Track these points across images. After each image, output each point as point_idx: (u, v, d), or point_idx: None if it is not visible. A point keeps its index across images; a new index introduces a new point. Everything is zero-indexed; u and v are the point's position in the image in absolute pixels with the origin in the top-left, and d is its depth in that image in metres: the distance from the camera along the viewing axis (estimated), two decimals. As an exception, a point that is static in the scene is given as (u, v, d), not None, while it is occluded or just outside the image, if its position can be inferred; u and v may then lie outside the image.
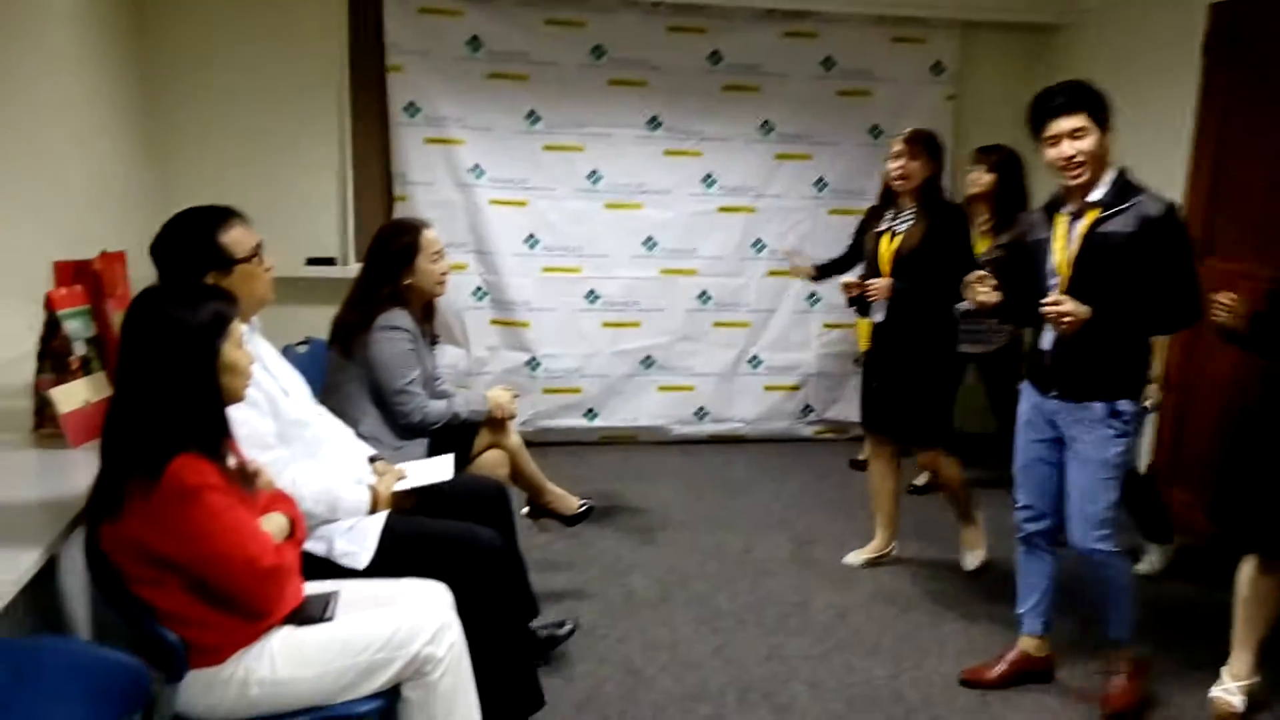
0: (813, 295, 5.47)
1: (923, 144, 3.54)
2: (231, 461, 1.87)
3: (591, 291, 5.27)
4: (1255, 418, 2.86)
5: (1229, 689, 2.89)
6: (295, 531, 1.99)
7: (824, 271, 4.46)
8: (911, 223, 3.56)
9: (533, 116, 5.05)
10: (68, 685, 1.48)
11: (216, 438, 1.81)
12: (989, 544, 3.89)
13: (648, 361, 5.40)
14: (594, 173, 5.16)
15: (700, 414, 5.50)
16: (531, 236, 5.16)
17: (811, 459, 5.34)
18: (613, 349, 5.34)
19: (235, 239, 2.25)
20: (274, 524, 1.93)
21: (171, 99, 4.68)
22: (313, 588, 2.02)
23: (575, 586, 3.62)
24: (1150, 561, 3.87)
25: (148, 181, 4.45)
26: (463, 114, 4.96)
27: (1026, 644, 3.07)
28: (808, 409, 5.62)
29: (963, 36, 5.34)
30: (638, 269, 5.29)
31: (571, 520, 3.56)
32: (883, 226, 3.67)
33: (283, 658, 1.86)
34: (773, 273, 5.41)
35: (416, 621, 1.96)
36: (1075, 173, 2.64)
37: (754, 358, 5.51)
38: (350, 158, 4.98)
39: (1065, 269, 2.71)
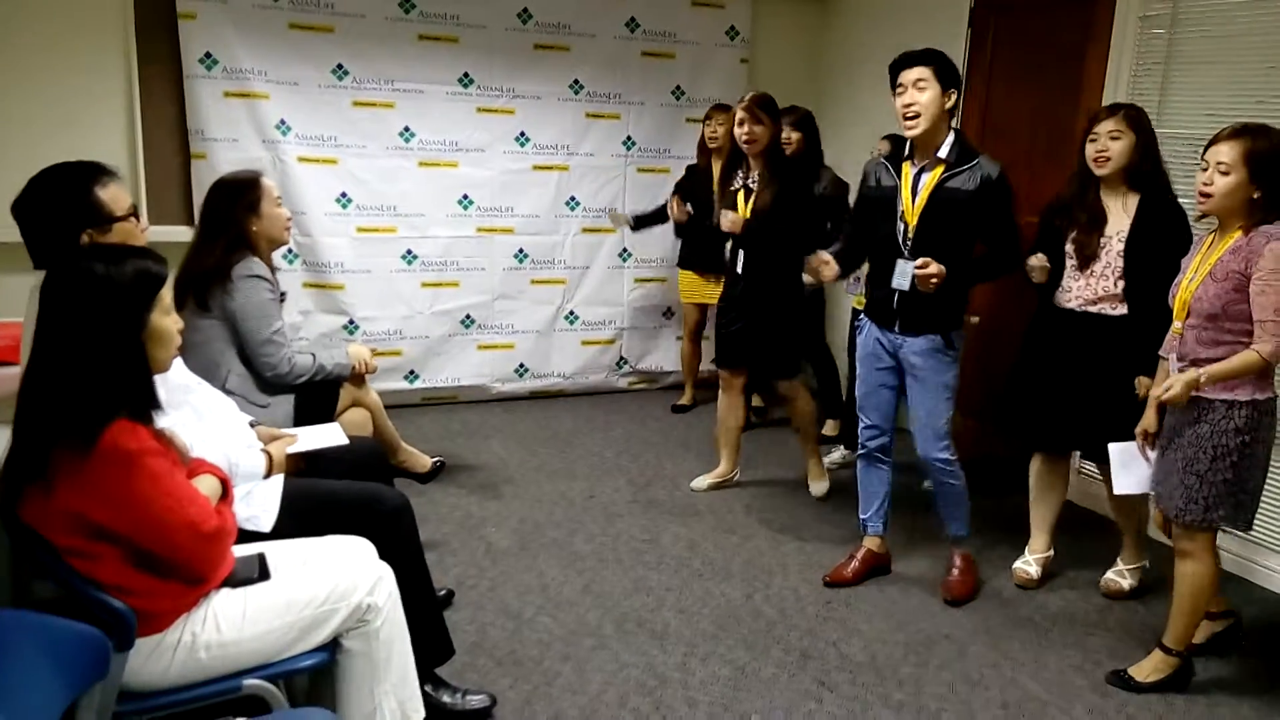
0: (624, 252, 5.66)
1: (764, 108, 3.79)
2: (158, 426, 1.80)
3: (409, 251, 5.19)
4: (1033, 341, 3.35)
5: (1028, 561, 3.49)
6: (226, 493, 1.94)
7: (640, 222, 5.11)
8: (761, 183, 3.86)
9: (340, 71, 4.87)
10: (35, 658, 1.42)
11: (148, 403, 1.74)
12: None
13: (467, 321, 5.40)
14: (406, 130, 5.05)
15: (521, 371, 5.58)
16: (344, 196, 5.00)
17: (630, 408, 5.56)
18: (432, 309, 5.29)
19: (113, 195, 2.12)
20: (207, 486, 1.87)
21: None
22: (238, 550, 1.98)
23: (435, 541, 3.64)
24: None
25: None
26: (265, 67, 4.71)
27: (871, 543, 3.49)
28: (622, 361, 5.83)
29: (754, 3, 5.64)
30: (454, 228, 5.26)
31: (425, 477, 3.62)
32: (736, 185, 3.95)
33: (226, 619, 1.83)
34: (586, 230, 5.55)
35: (354, 573, 1.97)
36: (911, 122, 2.95)
37: (570, 314, 5.64)
38: (139, 113, 4.61)
39: (912, 218, 3.05)
